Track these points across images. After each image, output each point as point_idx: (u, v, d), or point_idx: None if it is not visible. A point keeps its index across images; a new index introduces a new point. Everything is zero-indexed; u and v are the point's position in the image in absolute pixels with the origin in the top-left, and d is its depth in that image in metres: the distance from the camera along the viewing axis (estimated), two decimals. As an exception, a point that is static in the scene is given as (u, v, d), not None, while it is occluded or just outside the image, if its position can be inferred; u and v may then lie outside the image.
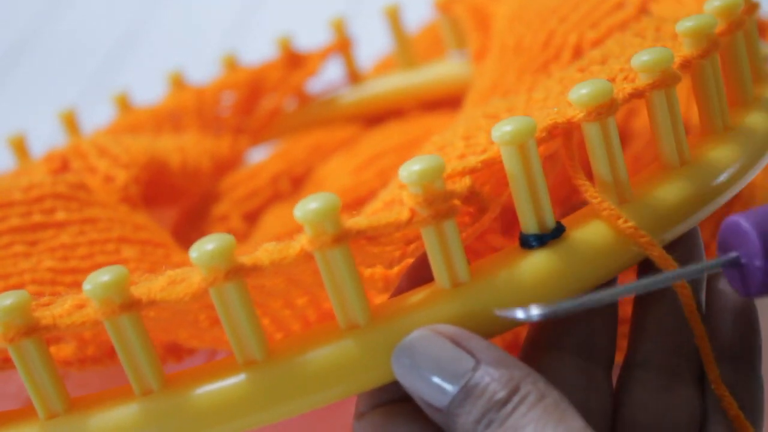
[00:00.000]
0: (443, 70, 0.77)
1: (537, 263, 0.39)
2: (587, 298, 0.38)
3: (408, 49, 0.78)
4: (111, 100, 0.79)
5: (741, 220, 0.39)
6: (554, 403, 0.36)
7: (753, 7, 0.48)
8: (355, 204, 0.67)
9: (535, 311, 0.37)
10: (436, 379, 0.37)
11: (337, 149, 0.77)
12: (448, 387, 0.37)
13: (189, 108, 0.76)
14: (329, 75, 0.81)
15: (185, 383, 0.39)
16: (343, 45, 0.79)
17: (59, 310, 0.39)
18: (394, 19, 0.77)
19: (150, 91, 0.82)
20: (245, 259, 0.37)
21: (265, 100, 0.79)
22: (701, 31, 0.44)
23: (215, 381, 0.38)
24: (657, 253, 0.40)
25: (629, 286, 0.39)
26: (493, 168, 0.40)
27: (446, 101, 0.77)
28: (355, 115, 0.79)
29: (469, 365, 0.37)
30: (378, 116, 0.79)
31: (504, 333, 0.39)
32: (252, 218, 0.72)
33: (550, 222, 0.40)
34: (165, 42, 1.14)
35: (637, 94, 0.41)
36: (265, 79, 0.78)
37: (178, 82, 0.79)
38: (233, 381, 0.38)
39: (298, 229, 0.65)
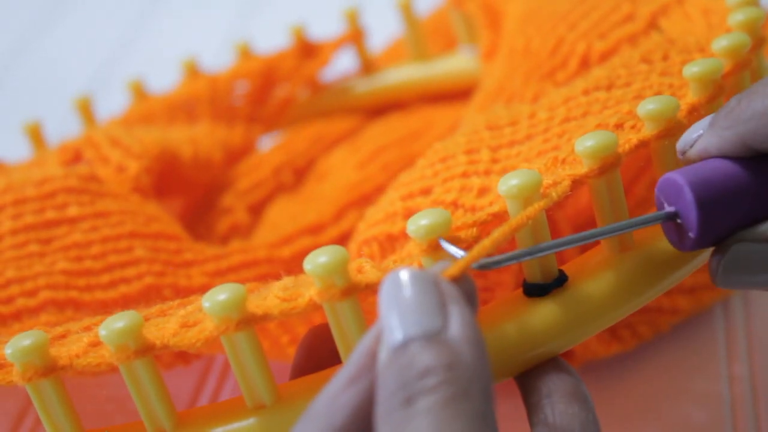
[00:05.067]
0: (456, 64, 0.78)
1: (543, 313, 0.40)
2: (526, 250, 0.39)
3: (420, 41, 0.78)
4: (123, 87, 0.80)
5: (674, 175, 0.40)
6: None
7: (759, 43, 0.48)
8: (362, 200, 0.68)
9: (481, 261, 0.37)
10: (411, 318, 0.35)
11: (339, 140, 0.78)
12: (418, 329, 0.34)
13: (203, 97, 0.77)
14: (340, 65, 0.82)
15: (197, 425, 0.40)
16: (356, 35, 0.79)
17: (75, 349, 0.40)
18: (407, 10, 0.78)
19: (159, 79, 0.83)
20: (256, 308, 0.38)
21: (277, 89, 0.79)
22: (708, 76, 0.44)
23: (226, 424, 0.40)
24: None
25: (569, 238, 0.39)
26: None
27: (451, 93, 0.78)
28: (367, 106, 0.80)
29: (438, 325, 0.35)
30: (384, 107, 0.80)
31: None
32: (256, 210, 0.73)
33: (554, 271, 0.41)
34: (172, 32, 1.14)
35: (643, 145, 0.42)
36: (278, 68, 0.79)
37: (191, 70, 0.80)
38: (243, 425, 0.40)
39: (304, 228, 0.66)
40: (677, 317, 0.61)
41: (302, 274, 0.41)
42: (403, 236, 0.50)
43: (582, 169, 0.41)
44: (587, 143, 0.41)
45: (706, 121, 0.41)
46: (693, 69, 0.44)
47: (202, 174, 0.71)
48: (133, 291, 0.57)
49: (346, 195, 0.69)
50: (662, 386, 0.59)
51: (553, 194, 0.40)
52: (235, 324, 0.38)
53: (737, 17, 0.49)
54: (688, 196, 0.39)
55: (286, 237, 0.66)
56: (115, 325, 0.39)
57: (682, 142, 0.42)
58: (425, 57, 0.79)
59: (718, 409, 0.57)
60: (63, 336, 0.43)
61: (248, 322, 0.38)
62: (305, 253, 0.64)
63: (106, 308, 0.56)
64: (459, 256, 0.37)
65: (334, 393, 0.35)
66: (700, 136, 0.41)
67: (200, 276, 0.60)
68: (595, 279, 0.41)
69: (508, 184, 0.40)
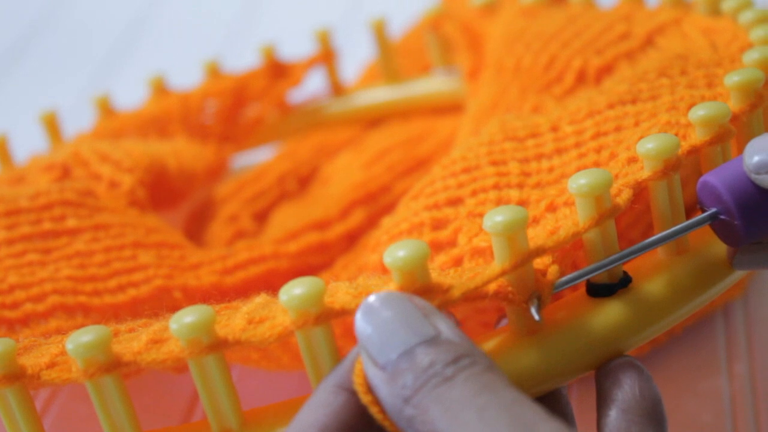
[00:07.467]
0: (428, 86, 0.78)
1: (611, 313, 0.40)
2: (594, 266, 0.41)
3: (392, 63, 0.79)
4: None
5: (709, 178, 0.41)
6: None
7: None
8: (368, 198, 0.69)
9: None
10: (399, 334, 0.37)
11: (342, 148, 0.78)
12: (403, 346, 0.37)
13: (174, 114, 0.76)
14: (310, 86, 0.81)
15: (265, 424, 0.40)
16: (327, 56, 0.79)
17: (137, 345, 0.39)
18: (379, 32, 0.78)
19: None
20: (332, 303, 0.38)
21: (247, 108, 0.79)
22: (750, 85, 0.45)
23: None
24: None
25: (634, 247, 0.41)
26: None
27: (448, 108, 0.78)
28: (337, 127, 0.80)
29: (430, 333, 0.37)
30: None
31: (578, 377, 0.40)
32: (261, 217, 0.73)
33: (619, 271, 0.41)
34: (163, 45, 1.14)
35: (695, 151, 0.43)
36: (249, 87, 0.78)
37: (159, 88, 0.79)
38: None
39: (310, 224, 0.66)
40: (690, 319, 0.61)
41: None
42: (432, 247, 0.50)
43: (644, 173, 0.42)
44: (649, 145, 0.41)
45: None
46: (734, 78, 0.45)
47: (186, 186, 0.71)
48: (142, 294, 0.56)
49: (351, 193, 0.69)
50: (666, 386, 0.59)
51: (619, 201, 0.41)
52: (314, 318, 0.38)
53: (759, 33, 0.50)
54: (726, 196, 0.40)
55: (292, 232, 0.66)
56: (186, 319, 0.38)
57: (759, 164, 0.40)
58: (397, 79, 0.79)
59: (719, 408, 0.57)
60: (114, 335, 0.42)
61: (326, 316, 0.38)
62: (311, 248, 0.65)
63: (117, 312, 0.55)
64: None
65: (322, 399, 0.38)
66: None
67: (209, 275, 0.59)
68: (656, 281, 0.42)
69: (578, 182, 0.40)
